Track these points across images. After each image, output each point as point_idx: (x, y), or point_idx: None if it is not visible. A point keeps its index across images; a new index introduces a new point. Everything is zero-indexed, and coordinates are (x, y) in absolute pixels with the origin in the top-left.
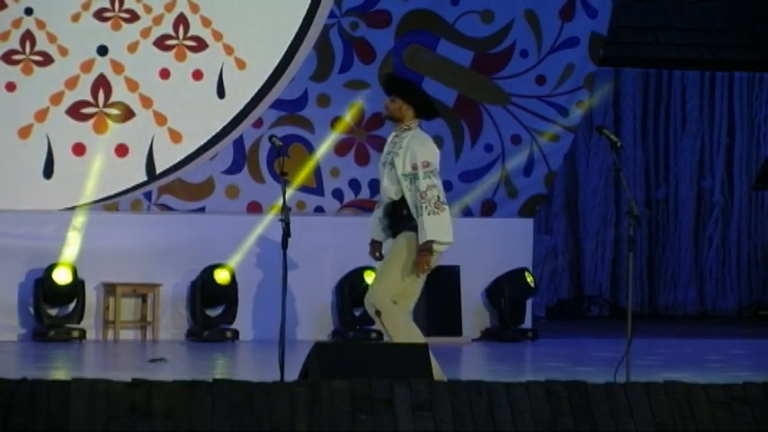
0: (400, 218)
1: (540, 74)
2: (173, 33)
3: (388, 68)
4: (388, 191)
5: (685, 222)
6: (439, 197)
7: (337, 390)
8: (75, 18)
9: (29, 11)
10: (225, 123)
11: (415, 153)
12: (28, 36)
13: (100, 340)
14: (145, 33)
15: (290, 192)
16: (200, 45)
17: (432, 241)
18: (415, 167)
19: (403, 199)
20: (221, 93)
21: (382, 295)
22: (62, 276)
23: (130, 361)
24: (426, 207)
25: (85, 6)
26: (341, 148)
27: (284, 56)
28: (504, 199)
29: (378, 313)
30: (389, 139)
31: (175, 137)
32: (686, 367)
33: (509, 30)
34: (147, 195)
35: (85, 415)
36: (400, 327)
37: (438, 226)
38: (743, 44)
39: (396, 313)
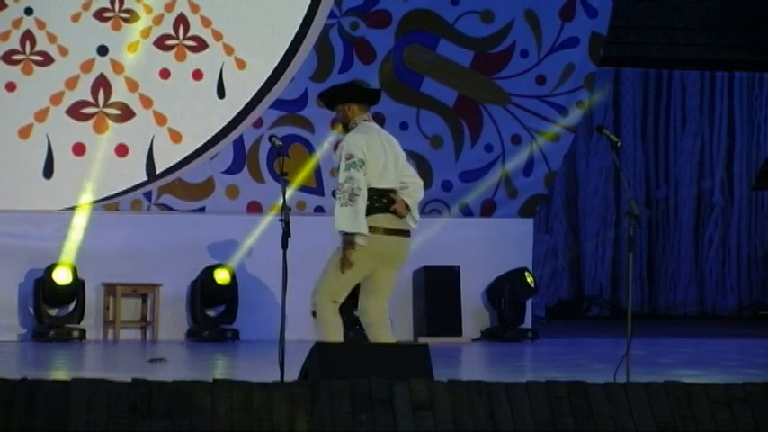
0: None
1: (540, 74)
2: (173, 33)
3: (388, 68)
4: None
5: (685, 222)
6: (353, 190)
7: (337, 390)
8: (75, 18)
9: (29, 11)
10: (225, 123)
11: (343, 146)
12: (28, 36)
13: (100, 340)
14: (145, 33)
15: (290, 192)
16: (201, 45)
17: (348, 234)
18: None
19: None
20: (221, 93)
21: (321, 295)
22: (62, 276)
23: (130, 361)
24: (341, 198)
25: (85, 6)
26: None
27: (284, 56)
28: (504, 199)
29: (313, 314)
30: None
31: (175, 137)
32: (686, 367)
33: (509, 30)
34: (147, 195)
35: (85, 415)
36: (328, 327)
37: (347, 217)
38: (743, 44)
39: (328, 316)
